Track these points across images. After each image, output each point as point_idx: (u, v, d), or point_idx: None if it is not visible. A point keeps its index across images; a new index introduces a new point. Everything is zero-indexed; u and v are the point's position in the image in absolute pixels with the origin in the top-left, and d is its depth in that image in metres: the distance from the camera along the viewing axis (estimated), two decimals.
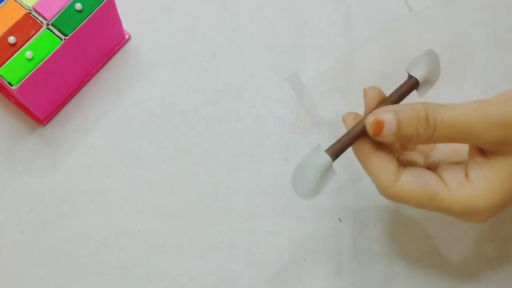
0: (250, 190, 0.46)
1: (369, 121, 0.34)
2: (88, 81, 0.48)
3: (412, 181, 0.35)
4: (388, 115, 0.34)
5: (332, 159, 0.35)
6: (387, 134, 0.34)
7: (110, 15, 0.45)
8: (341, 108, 0.45)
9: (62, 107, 0.47)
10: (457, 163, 0.37)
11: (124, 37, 0.49)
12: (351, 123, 0.37)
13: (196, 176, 0.46)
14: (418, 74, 0.37)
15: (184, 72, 0.49)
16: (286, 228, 0.45)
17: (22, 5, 0.43)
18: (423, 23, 0.51)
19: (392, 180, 0.35)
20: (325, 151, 0.35)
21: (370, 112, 0.36)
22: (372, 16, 0.51)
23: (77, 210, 0.45)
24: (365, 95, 0.37)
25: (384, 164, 0.36)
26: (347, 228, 0.45)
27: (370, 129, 0.34)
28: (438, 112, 0.34)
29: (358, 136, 0.36)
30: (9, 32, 0.42)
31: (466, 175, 0.35)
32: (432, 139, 0.34)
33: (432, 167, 0.38)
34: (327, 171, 0.35)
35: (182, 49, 0.50)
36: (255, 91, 0.49)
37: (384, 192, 0.36)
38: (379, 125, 0.34)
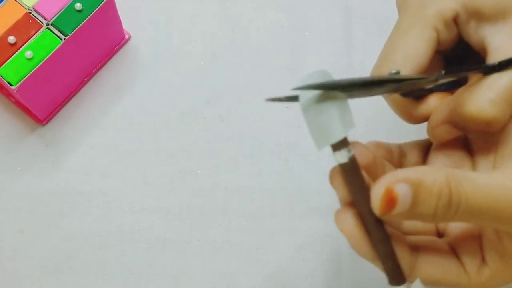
0: (250, 190, 0.46)
1: (378, 195, 0.26)
2: (88, 81, 0.48)
3: (431, 274, 0.29)
4: (402, 188, 0.26)
5: None
6: (398, 213, 0.26)
7: (110, 15, 0.45)
8: None
9: (62, 107, 0.47)
10: (470, 235, 0.30)
11: (124, 37, 0.49)
12: (342, 191, 0.28)
13: (196, 176, 0.46)
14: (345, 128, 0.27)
15: (184, 72, 0.49)
16: (285, 228, 0.45)
17: (22, 5, 0.43)
18: None
19: (407, 274, 0.28)
20: None
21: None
22: (372, 16, 0.51)
23: (77, 210, 0.45)
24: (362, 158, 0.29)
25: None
26: None
27: (379, 206, 0.26)
28: (463, 190, 0.26)
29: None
30: (9, 32, 0.42)
31: (483, 258, 0.29)
32: (447, 221, 0.27)
33: (440, 230, 0.32)
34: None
35: (182, 49, 0.50)
36: (255, 91, 0.49)
37: None
38: (392, 202, 0.26)
